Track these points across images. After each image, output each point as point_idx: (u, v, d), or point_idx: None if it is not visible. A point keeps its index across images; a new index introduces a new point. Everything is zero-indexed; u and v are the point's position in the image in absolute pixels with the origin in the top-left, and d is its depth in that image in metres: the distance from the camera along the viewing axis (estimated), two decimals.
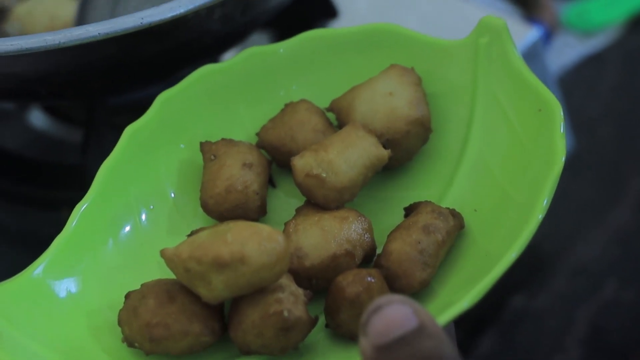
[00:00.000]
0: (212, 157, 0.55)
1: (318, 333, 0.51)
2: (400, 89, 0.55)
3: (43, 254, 0.51)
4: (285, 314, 0.47)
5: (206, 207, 0.54)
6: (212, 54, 0.64)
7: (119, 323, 0.50)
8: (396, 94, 0.55)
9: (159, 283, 0.50)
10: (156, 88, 0.60)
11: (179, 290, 0.49)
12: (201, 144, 0.56)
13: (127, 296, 0.50)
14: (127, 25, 0.54)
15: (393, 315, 0.43)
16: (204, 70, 0.57)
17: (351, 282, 0.49)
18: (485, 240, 0.51)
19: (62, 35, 0.54)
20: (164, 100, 0.56)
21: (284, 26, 0.77)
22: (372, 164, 0.53)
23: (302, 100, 0.57)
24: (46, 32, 0.54)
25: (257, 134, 0.57)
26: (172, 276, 0.49)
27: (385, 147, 0.53)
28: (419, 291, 0.50)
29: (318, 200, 0.52)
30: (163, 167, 0.56)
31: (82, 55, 0.56)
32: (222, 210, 0.54)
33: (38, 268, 0.51)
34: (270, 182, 0.57)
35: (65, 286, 0.51)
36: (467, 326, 0.76)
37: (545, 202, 0.48)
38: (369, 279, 0.49)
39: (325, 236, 0.51)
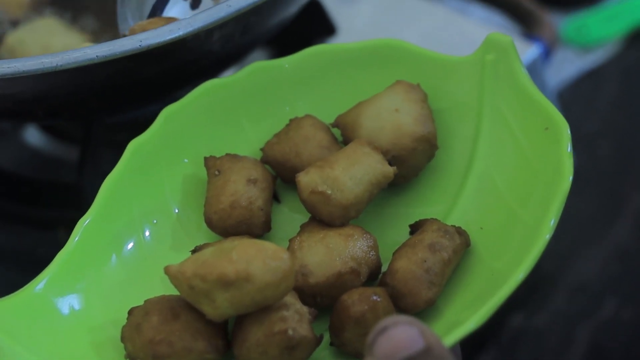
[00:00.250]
0: (217, 172, 0.54)
1: (323, 350, 0.50)
2: (406, 105, 0.55)
3: (45, 270, 0.51)
4: (290, 332, 0.47)
5: (210, 223, 0.54)
6: (211, 74, 0.64)
7: (122, 339, 0.49)
8: (402, 110, 0.54)
9: (162, 299, 0.49)
10: (154, 106, 0.60)
11: (183, 307, 0.48)
12: (205, 159, 0.55)
13: (130, 312, 0.50)
14: (125, 47, 0.54)
15: (400, 336, 0.43)
16: (208, 85, 0.57)
17: (356, 301, 0.48)
18: (492, 258, 0.51)
19: (60, 58, 0.53)
20: (167, 114, 0.56)
21: (282, 43, 0.77)
22: (378, 181, 0.52)
23: (307, 116, 0.56)
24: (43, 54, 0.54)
25: (262, 149, 0.57)
26: (176, 292, 0.49)
27: (391, 163, 0.53)
28: (425, 310, 0.50)
29: (323, 217, 0.52)
30: (167, 182, 0.55)
31: (79, 77, 0.56)
32: (226, 226, 0.53)
33: (40, 284, 0.50)
34: (275, 198, 0.56)
35: (68, 302, 0.51)
36: (467, 345, 0.76)
37: (552, 222, 0.48)
38: (374, 297, 0.48)
39: (330, 253, 0.50)
